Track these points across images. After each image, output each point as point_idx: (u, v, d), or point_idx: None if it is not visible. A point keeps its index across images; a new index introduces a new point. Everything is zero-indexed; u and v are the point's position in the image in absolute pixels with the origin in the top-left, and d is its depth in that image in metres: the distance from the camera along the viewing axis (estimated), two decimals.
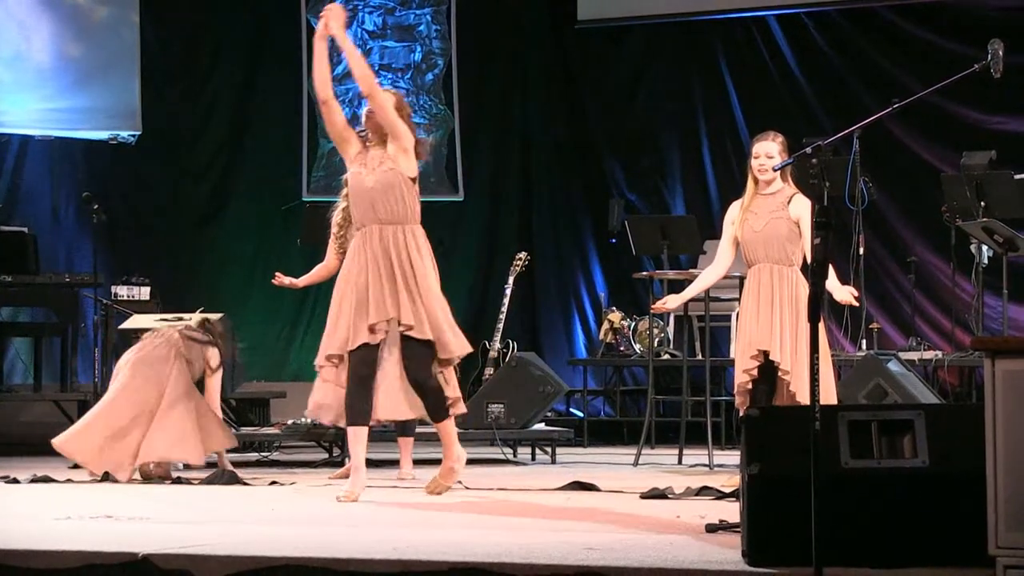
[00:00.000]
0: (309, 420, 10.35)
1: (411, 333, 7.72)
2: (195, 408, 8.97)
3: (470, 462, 8.36)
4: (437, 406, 7.92)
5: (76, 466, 9.65)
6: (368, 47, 14.63)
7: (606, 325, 13.07)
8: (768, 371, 8.15)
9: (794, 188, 8.32)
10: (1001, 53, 7.65)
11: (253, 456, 10.58)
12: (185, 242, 14.39)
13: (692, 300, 9.12)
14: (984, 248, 11.21)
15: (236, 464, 9.43)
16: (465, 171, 14.72)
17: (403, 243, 7.78)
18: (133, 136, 14.05)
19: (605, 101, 14.67)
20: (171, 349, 9.11)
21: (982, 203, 11.03)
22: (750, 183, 8.34)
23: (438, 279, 7.90)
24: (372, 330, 7.69)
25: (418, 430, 9.20)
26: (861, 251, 11.14)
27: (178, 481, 8.79)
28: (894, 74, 13.23)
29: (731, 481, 7.83)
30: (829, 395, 7.87)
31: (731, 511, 6.19)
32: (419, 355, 7.79)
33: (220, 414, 9.29)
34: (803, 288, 8.03)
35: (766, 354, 8.12)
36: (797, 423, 4.95)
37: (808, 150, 6.04)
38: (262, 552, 5.35)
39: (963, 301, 12.16)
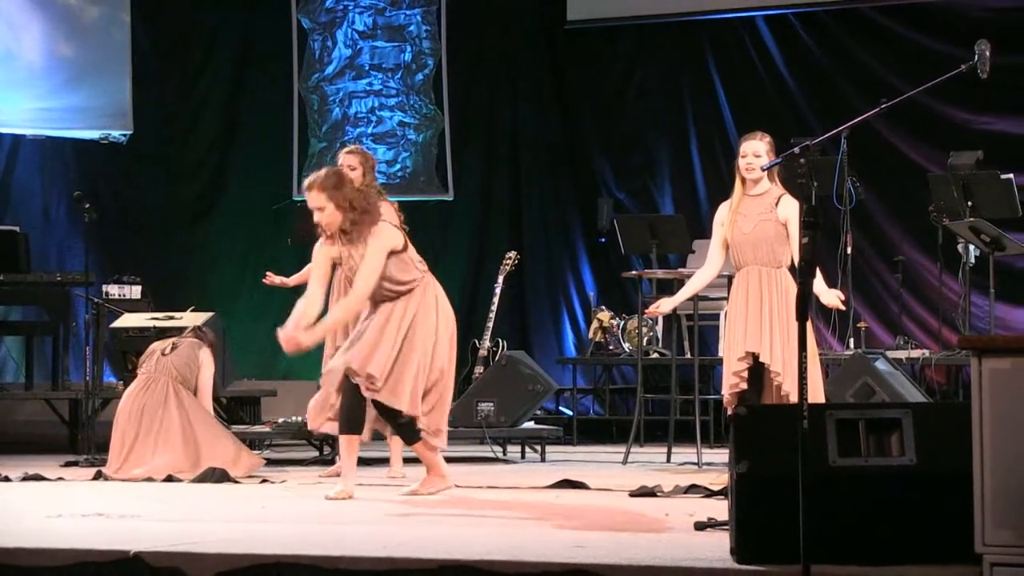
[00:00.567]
0: (299, 419, 10.40)
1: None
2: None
3: (460, 460, 8.39)
4: (399, 432, 8.03)
5: (69, 464, 9.71)
6: (358, 47, 14.64)
7: (595, 324, 13.10)
8: (756, 372, 8.16)
9: (781, 188, 8.30)
10: (988, 54, 7.71)
11: None
12: (176, 241, 14.41)
13: None
14: (971, 247, 11.20)
15: None
16: (455, 171, 14.74)
17: (415, 306, 7.86)
18: (124, 135, 14.08)
19: (594, 101, 14.68)
20: (167, 384, 9.09)
21: (969, 203, 11.04)
22: (738, 183, 8.33)
23: (437, 340, 7.90)
24: None
25: None
26: (849, 251, 11.13)
27: (169, 479, 8.78)
28: (882, 74, 13.24)
29: (719, 479, 7.83)
30: (817, 394, 7.89)
31: (719, 509, 6.19)
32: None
33: (212, 413, 9.30)
34: (792, 289, 8.00)
35: (755, 356, 8.14)
36: (785, 422, 4.95)
37: (796, 150, 6.04)
38: (253, 550, 5.35)
39: (950, 300, 12.18)
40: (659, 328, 12.94)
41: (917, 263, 13.07)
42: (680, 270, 10.92)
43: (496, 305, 11.91)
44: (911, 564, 4.85)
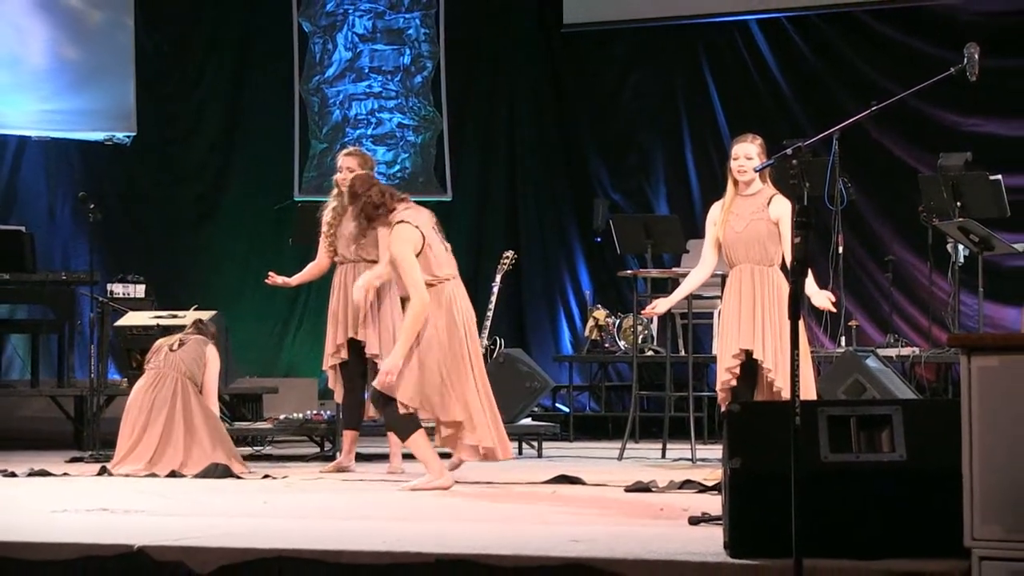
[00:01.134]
0: (301, 415, 10.52)
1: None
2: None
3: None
4: (388, 424, 8.17)
5: (74, 460, 9.75)
6: (358, 50, 14.67)
7: (591, 322, 13.15)
8: (750, 369, 8.22)
9: (773, 189, 8.34)
10: (977, 57, 7.77)
11: (247, 450, 10.55)
12: (179, 241, 14.44)
13: None
14: (960, 247, 11.22)
15: None
16: (453, 172, 14.77)
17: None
18: (128, 137, 14.12)
19: (590, 103, 14.71)
20: (176, 380, 9.16)
21: (958, 203, 11.07)
22: (730, 184, 8.37)
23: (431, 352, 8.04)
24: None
25: None
26: (840, 250, 11.11)
27: (172, 475, 8.79)
28: (873, 78, 13.24)
29: (713, 475, 7.81)
30: (809, 391, 7.97)
31: (713, 504, 6.13)
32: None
33: (217, 409, 9.33)
34: (784, 287, 8.09)
35: (748, 353, 8.19)
36: (778, 418, 4.92)
37: (788, 151, 6.05)
38: (255, 544, 5.36)
39: (940, 299, 12.23)
40: (654, 326, 12.98)
41: (907, 262, 13.10)
42: (675, 269, 10.97)
43: (494, 304, 11.92)
44: (901, 558, 4.83)
